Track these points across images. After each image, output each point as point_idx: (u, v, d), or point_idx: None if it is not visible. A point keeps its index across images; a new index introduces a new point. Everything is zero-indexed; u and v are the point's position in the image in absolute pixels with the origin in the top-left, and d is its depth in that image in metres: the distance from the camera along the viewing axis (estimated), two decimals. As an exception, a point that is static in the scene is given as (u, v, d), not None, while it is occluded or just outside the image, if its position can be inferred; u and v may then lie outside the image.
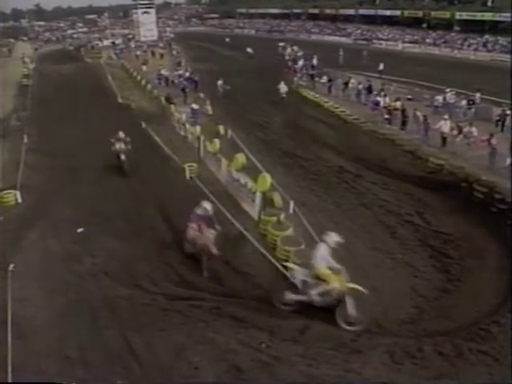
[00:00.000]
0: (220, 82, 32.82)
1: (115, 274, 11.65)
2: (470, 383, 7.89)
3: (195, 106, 26.83)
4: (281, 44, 55.94)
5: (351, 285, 9.29)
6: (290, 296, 9.66)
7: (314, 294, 9.42)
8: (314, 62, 40.05)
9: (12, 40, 78.06)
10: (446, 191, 15.98)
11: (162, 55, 53.45)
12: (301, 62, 40.99)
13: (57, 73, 46.94)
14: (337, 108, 27.91)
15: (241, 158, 17.80)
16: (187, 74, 36.88)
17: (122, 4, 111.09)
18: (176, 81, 36.35)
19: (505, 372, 7.80)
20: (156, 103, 31.96)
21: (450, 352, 8.39)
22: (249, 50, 53.65)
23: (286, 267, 10.51)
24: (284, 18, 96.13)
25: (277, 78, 34.21)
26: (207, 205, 12.13)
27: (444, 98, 25.92)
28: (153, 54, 55.52)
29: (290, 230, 13.21)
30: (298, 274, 9.73)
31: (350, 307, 9.18)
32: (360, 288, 9.23)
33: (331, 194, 16.90)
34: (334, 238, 9.51)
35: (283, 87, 31.19)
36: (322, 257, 9.38)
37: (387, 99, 25.99)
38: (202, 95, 31.18)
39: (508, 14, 53.14)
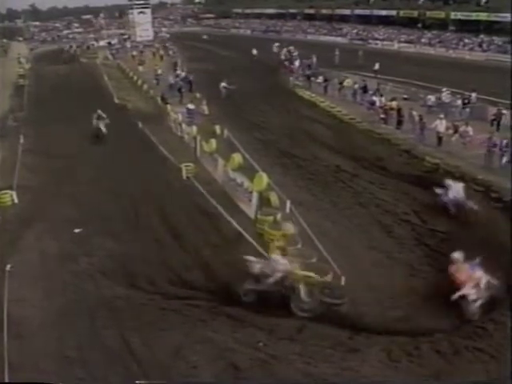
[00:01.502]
0: (223, 84, 32.68)
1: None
2: (467, 381, 7.95)
3: (191, 106, 26.79)
4: (276, 44, 55.98)
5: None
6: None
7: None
8: (313, 61, 40.20)
9: (4, 40, 77.50)
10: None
11: (161, 56, 52.86)
12: (297, 63, 41.05)
13: (53, 73, 46.79)
14: (333, 108, 27.92)
15: (237, 158, 17.78)
16: (183, 74, 36.84)
17: (118, 4, 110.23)
18: (172, 81, 36.23)
19: (501, 369, 7.85)
20: (152, 103, 31.93)
21: (446, 350, 8.44)
22: (204, 36, 73.19)
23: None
24: (280, 18, 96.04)
25: (271, 75, 34.59)
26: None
27: (438, 98, 26.01)
28: (154, 54, 55.00)
29: (286, 229, 13.24)
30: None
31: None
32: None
33: (328, 193, 16.91)
34: None
35: (254, 51, 49.49)
36: None
37: (383, 99, 26.07)
38: (198, 95, 31.14)
39: (503, 14, 53.27)
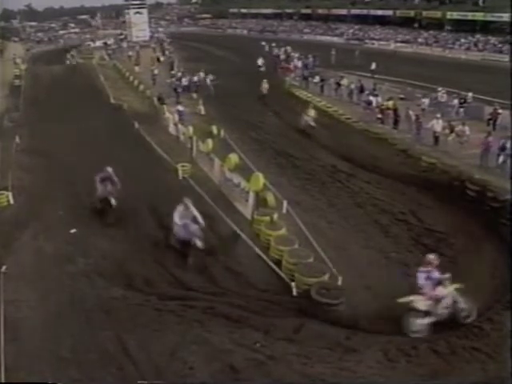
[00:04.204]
0: (208, 80, 32.72)
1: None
2: (465, 381, 7.92)
3: (181, 108, 26.54)
4: (268, 44, 55.90)
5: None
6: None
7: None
8: (309, 61, 40.22)
9: (0, 40, 77.15)
10: (439, 190, 16.02)
11: (158, 58, 52.35)
12: (297, 62, 41.05)
13: (49, 73, 46.62)
14: (329, 107, 27.92)
15: (233, 158, 17.76)
16: (179, 75, 36.80)
17: (115, 4, 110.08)
18: (168, 81, 36.19)
19: (499, 368, 7.84)
20: (148, 104, 31.87)
21: (444, 350, 8.41)
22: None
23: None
24: (276, 18, 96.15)
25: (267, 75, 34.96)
26: None
27: (435, 98, 26.01)
28: (152, 52, 54.48)
29: (283, 229, 13.22)
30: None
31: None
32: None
33: (325, 193, 16.90)
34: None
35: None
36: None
37: (379, 99, 26.05)
38: (194, 95, 31.10)
39: (499, 14, 53.53)
